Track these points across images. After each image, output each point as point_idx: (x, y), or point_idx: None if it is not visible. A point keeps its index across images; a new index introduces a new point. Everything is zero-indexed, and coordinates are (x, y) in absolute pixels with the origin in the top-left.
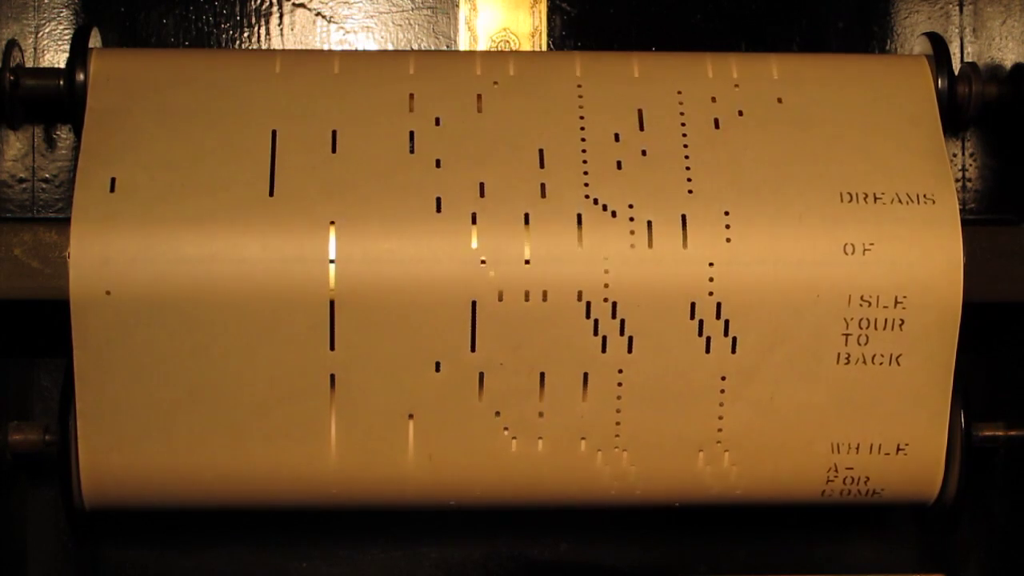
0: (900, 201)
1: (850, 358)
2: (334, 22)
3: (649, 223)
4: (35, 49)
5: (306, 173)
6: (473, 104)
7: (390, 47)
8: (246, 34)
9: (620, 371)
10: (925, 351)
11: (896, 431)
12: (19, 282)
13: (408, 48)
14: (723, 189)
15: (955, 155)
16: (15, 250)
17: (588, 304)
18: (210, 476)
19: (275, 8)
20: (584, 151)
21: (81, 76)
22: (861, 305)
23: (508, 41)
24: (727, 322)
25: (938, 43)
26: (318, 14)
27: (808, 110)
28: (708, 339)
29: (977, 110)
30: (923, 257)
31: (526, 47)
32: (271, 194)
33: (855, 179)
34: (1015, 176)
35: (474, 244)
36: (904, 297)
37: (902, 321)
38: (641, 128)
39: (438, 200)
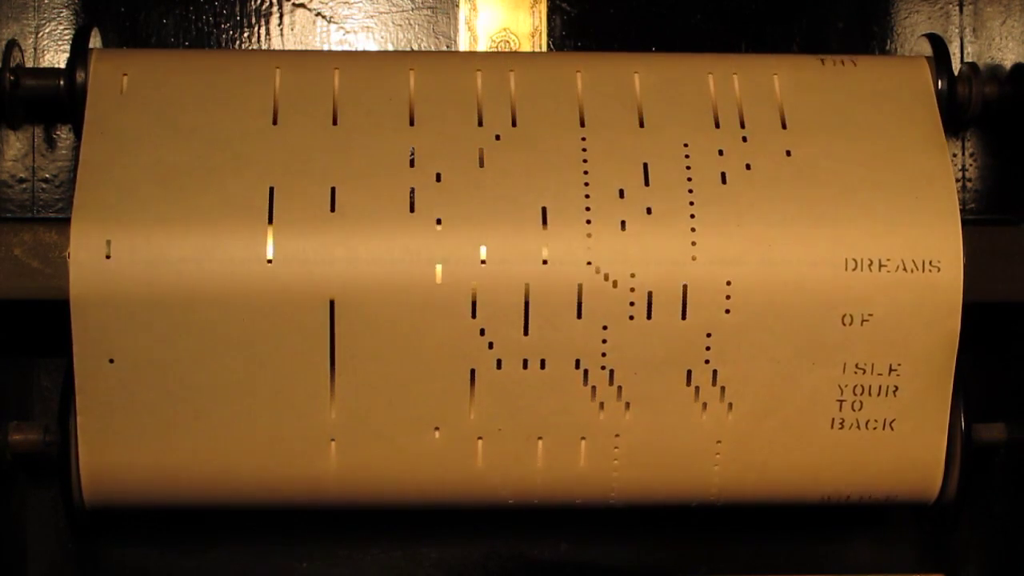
0: (905, 269)
1: (844, 423)
2: (334, 22)
3: (649, 294)
4: (35, 49)
5: (305, 234)
6: (475, 159)
7: (390, 47)
8: (246, 34)
9: (617, 435)
10: (919, 415)
11: (887, 485)
12: (19, 282)
13: (408, 48)
14: (727, 254)
15: (955, 155)
16: (15, 250)
17: (586, 372)
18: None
19: (275, 8)
20: (588, 208)
21: (81, 76)
22: (856, 372)
23: (508, 41)
24: (723, 388)
25: (938, 45)
26: (318, 14)
27: (817, 163)
28: (704, 404)
29: (977, 110)
30: (921, 327)
31: (526, 47)
32: (269, 260)
33: (861, 243)
34: (1015, 176)
35: (474, 314)
36: (899, 365)
37: (896, 388)
38: (647, 183)
39: (438, 267)
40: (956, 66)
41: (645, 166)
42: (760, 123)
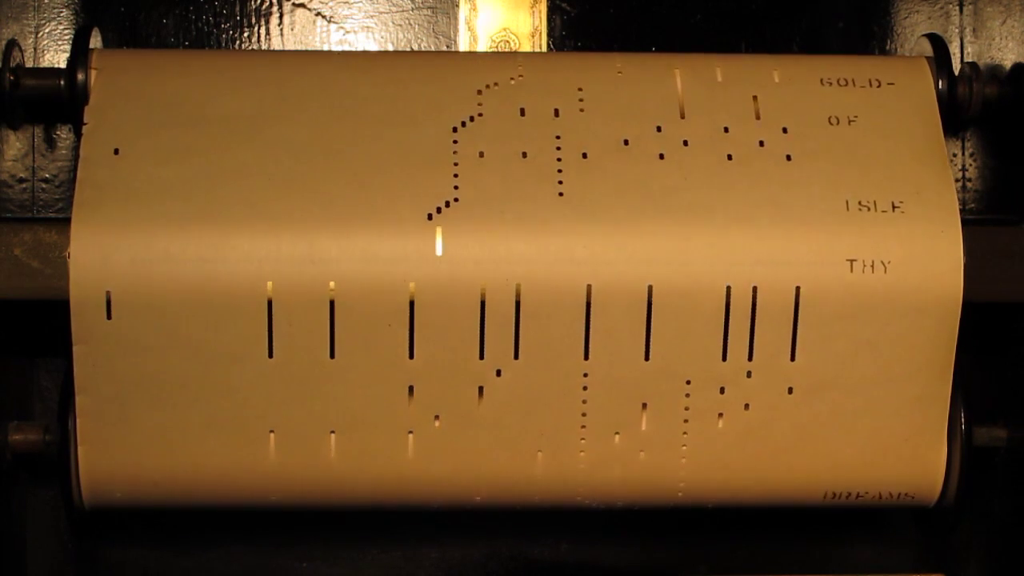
0: (881, 498)
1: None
2: (334, 22)
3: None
4: (35, 49)
5: (305, 479)
6: (474, 397)
7: (390, 47)
8: (246, 34)
9: None
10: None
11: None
12: (19, 282)
13: (408, 48)
14: (712, 491)
15: (955, 155)
16: (15, 250)
17: None
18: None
19: (275, 8)
20: (582, 452)
21: (81, 76)
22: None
23: (508, 41)
24: None
25: (938, 45)
26: (318, 14)
27: (819, 397)
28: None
29: (977, 110)
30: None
31: (526, 47)
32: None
33: (845, 476)
34: (1015, 176)
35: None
36: None
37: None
38: (643, 426)
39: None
40: (956, 66)
41: (644, 406)
42: (770, 352)
